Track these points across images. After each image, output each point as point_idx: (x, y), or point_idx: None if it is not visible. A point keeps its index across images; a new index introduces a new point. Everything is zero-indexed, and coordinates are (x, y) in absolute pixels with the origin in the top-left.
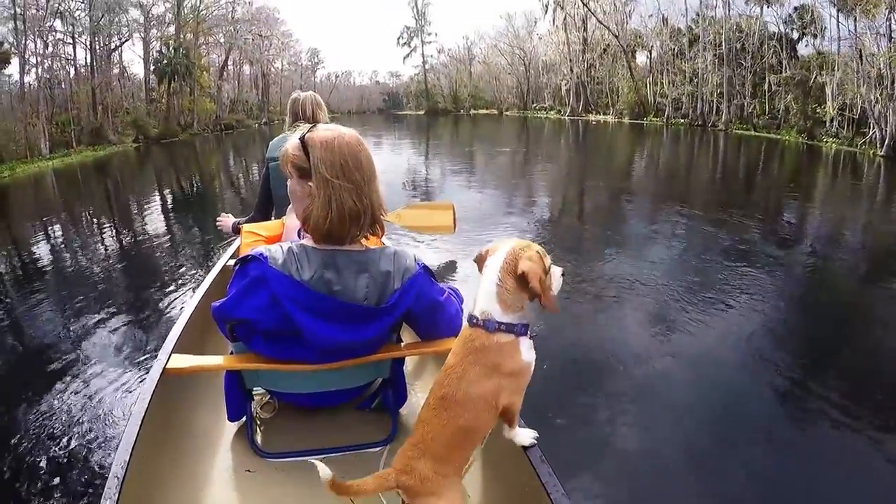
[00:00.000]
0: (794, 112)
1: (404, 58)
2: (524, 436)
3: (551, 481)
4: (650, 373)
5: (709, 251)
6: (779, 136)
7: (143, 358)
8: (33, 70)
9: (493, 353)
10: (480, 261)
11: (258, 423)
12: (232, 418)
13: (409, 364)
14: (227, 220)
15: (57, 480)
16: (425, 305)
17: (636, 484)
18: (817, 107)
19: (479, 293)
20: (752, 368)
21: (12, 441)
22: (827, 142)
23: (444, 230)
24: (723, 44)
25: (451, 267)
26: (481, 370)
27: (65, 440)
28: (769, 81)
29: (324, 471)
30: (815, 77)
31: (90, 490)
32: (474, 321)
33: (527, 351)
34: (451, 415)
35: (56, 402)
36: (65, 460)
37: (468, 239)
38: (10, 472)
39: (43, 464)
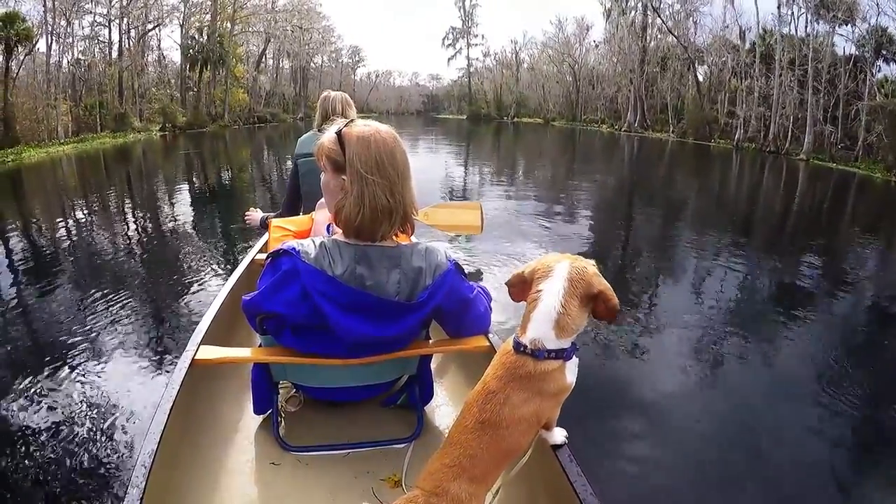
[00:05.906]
0: (883, 144)
1: (449, 59)
2: (556, 434)
3: (580, 481)
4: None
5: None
6: (857, 170)
7: (170, 348)
8: (61, 51)
9: (540, 380)
10: (519, 283)
11: (283, 416)
12: (258, 411)
13: (434, 361)
14: (255, 215)
15: (85, 467)
16: (456, 302)
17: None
18: None
19: (532, 320)
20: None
21: (42, 427)
22: None
23: (471, 230)
24: (808, 65)
25: (478, 267)
26: (526, 396)
27: (93, 427)
28: (857, 108)
29: None
30: None
31: (117, 477)
32: (522, 349)
33: (571, 373)
34: (495, 438)
35: (85, 390)
36: (93, 447)
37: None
38: (38, 457)
39: (71, 450)
